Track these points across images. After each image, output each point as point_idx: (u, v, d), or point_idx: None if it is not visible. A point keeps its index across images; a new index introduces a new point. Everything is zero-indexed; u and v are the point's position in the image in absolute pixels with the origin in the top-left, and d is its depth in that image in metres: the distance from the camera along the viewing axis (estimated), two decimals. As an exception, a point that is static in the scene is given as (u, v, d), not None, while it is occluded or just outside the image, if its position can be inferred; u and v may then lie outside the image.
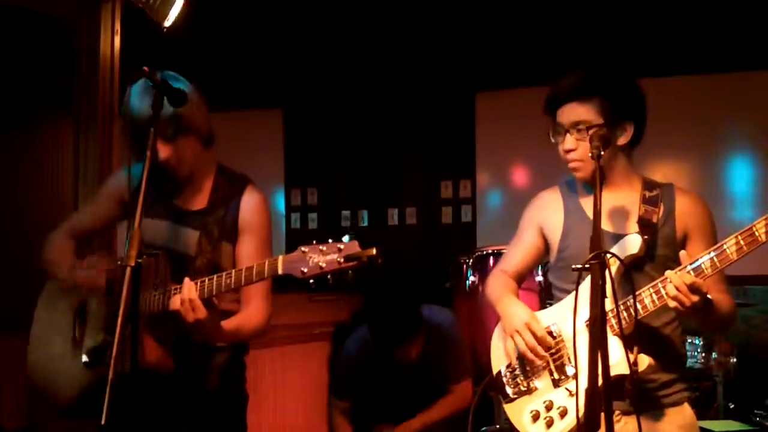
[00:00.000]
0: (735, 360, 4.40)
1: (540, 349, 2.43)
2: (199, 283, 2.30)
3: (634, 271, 2.34)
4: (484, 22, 6.17)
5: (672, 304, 2.22)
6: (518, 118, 5.98)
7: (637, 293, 2.29)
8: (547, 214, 2.61)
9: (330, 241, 2.13)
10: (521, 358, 2.50)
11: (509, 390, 2.52)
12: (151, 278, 2.36)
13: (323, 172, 6.77)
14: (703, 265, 2.23)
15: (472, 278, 4.46)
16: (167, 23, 3.92)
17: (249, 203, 2.56)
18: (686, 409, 2.47)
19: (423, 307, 4.16)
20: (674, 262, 2.35)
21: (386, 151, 6.59)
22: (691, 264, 2.24)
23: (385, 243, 6.39)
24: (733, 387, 4.44)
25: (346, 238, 2.14)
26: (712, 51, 5.68)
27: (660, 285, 2.28)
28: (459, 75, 6.36)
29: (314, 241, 2.15)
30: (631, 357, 2.20)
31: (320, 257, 2.11)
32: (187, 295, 2.26)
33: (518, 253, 2.70)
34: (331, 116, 6.73)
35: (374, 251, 2.09)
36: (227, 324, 2.44)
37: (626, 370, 2.18)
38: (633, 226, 2.42)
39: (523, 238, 2.68)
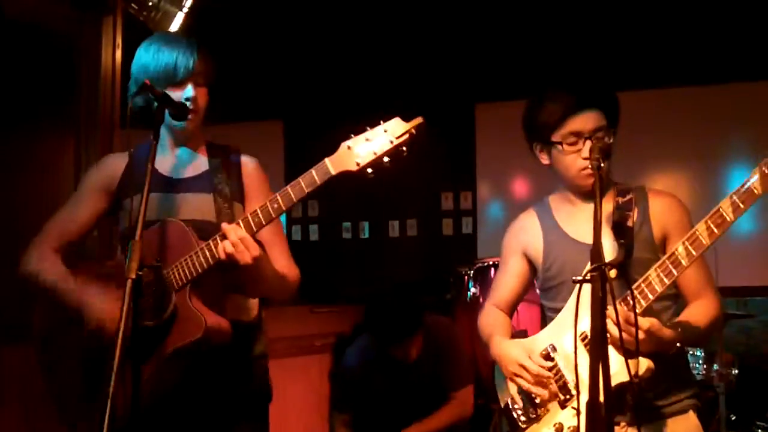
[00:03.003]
0: (736, 371, 4.39)
1: (540, 386, 2.42)
2: (242, 221, 2.15)
3: (618, 277, 2.33)
4: (484, 34, 6.20)
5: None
6: (518, 130, 5.96)
7: (623, 297, 2.28)
8: (528, 238, 2.61)
9: (368, 128, 2.06)
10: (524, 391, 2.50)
11: (518, 421, 2.51)
12: (150, 288, 2.24)
13: (324, 184, 6.77)
14: (677, 254, 2.20)
15: (473, 290, 4.46)
16: (168, 36, 3.94)
17: (249, 166, 2.50)
18: (691, 418, 2.44)
19: (426, 317, 4.15)
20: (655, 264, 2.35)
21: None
22: (666, 256, 2.24)
23: (386, 255, 6.47)
24: (735, 398, 4.43)
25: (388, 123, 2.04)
26: (712, 62, 5.70)
27: (643, 285, 2.26)
28: (459, 86, 6.38)
29: (352, 135, 2.06)
30: (632, 367, 2.19)
31: (369, 145, 2.04)
32: (236, 236, 2.11)
33: (507, 283, 2.71)
34: (331, 128, 6.72)
35: (421, 119, 2.04)
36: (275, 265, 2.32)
37: (627, 378, 2.16)
38: (609, 233, 2.41)
39: (508, 267, 2.68)
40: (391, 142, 2.01)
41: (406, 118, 2.08)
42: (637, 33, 5.81)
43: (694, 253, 2.18)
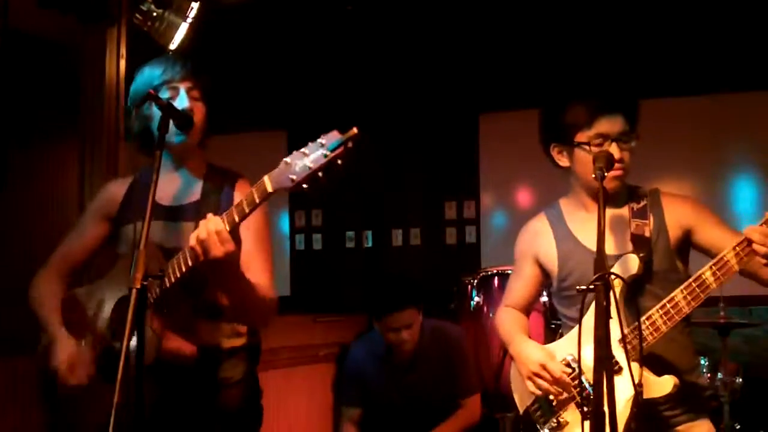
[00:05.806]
0: (741, 380, 4.37)
1: (559, 388, 2.42)
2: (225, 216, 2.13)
3: (637, 292, 2.34)
4: (487, 44, 6.21)
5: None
6: (521, 139, 5.97)
7: (647, 315, 2.29)
8: (540, 243, 2.62)
9: (310, 143, 1.99)
10: (544, 395, 2.48)
11: (542, 429, 2.50)
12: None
13: (327, 193, 6.77)
14: (705, 278, 2.23)
15: (476, 299, 4.45)
16: (172, 47, 3.96)
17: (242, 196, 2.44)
18: (706, 424, 2.48)
19: (432, 321, 4.16)
20: (674, 273, 2.38)
21: (390, 172, 6.61)
22: (693, 278, 2.26)
23: (390, 264, 6.46)
24: (739, 407, 4.41)
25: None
26: (716, 72, 5.70)
27: (668, 305, 2.27)
28: (462, 97, 6.39)
29: (294, 151, 2.00)
30: (636, 377, 2.19)
31: (305, 160, 1.97)
32: (214, 227, 2.08)
33: (520, 287, 2.72)
34: (334, 138, 6.74)
35: (355, 130, 1.96)
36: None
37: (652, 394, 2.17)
38: (628, 243, 2.42)
39: (522, 272, 2.70)
40: (325, 156, 1.95)
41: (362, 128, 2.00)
42: (639, 43, 5.81)
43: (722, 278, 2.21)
